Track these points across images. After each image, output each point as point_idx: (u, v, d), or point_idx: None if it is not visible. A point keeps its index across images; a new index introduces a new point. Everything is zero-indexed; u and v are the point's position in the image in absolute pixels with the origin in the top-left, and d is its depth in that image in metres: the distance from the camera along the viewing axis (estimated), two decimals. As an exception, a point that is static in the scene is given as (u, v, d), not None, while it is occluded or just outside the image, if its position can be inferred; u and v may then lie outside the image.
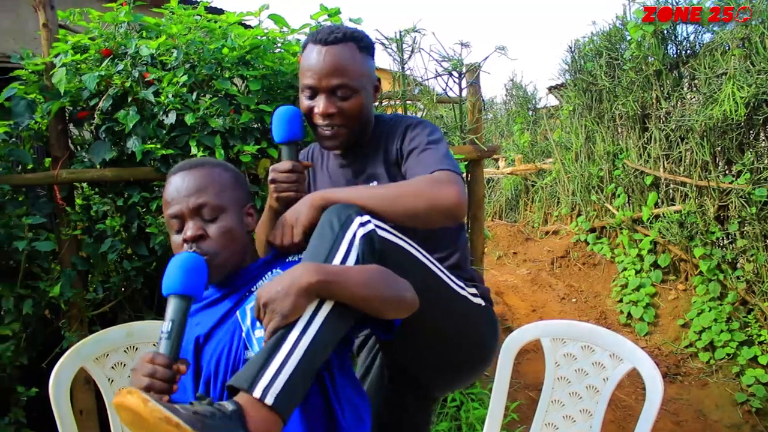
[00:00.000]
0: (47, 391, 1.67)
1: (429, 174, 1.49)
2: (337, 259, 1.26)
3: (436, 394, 1.87)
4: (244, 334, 1.33)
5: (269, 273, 1.44)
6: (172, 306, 1.21)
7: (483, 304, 1.68)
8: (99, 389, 1.79)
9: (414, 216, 1.42)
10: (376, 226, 1.33)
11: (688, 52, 4.95)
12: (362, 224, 1.31)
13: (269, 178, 1.61)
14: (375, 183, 1.67)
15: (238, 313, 1.37)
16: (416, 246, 1.46)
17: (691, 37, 4.96)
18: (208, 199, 1.40)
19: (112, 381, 1.79)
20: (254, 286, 1.42)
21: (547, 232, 6.95)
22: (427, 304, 1.40)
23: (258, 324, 1.29)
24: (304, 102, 1.63)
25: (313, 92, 1.60)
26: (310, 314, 1.18)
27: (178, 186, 1.42)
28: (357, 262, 1.27)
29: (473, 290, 1.66)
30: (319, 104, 1.58)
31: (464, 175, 3.29)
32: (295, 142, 1.64)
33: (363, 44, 1.62)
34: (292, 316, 1.16)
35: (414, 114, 3.56)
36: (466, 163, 3.23)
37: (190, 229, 1.38)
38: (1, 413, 2.44)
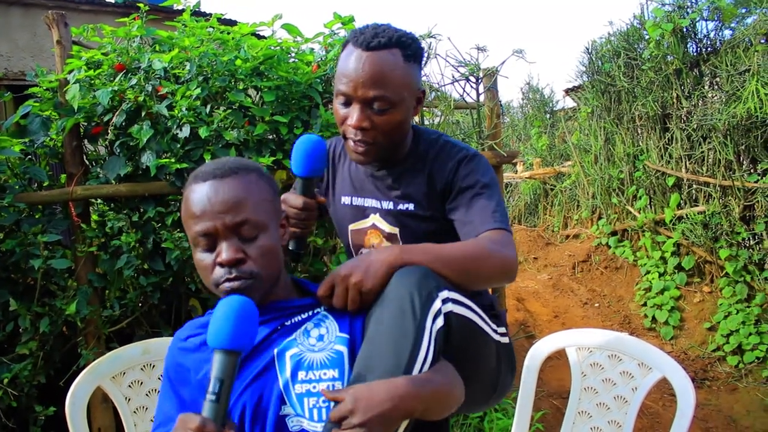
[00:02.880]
0: (65, 410, 1.65)
1: (487, 231, 1.42)
2: (420, 359, 1.17)
3: (450, 417, 1.81)
4: (281, 385, 1.19)
5: (314, 312, 1.32)
6: (220, 362, 1.06)
7: (508, 341, 1.61)
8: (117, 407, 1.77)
9: (485, 280, 1.40)
10: (452, 300, 1.26)
11: (709, 49, 4.87)
12: (443, 302, 1.22)
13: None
14: (411, 206, 1.58)
15: (275, 354, 1.22)
16: (475, 307, 1.37)
17: (712, 34, 4.88)
18: (248, 215, 1.20)
19: (129, 399, 1.77)
20: (290, 321, 1.29)
21: (567, 236, 6.88)
22: (474, 361, 1.38)
23: (300, 378, 1.20)
24: (338, 109, 1.49)
25: (347, 100, 1.46)
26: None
27: (210, 197, 1.19)
28: (434, 356, 1.20)
29: (502, 329, 1.58)
30: (353, 115, 1.44)
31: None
32: (314, 178, 1.56)
33: (410, 51, 1.46)
34: None
35: (431, 120, 3.52)
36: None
37: (227, 251, 1.19)
38: (21, 432, 2.44)
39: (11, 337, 2.44)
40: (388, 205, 1.61)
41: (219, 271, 1.20)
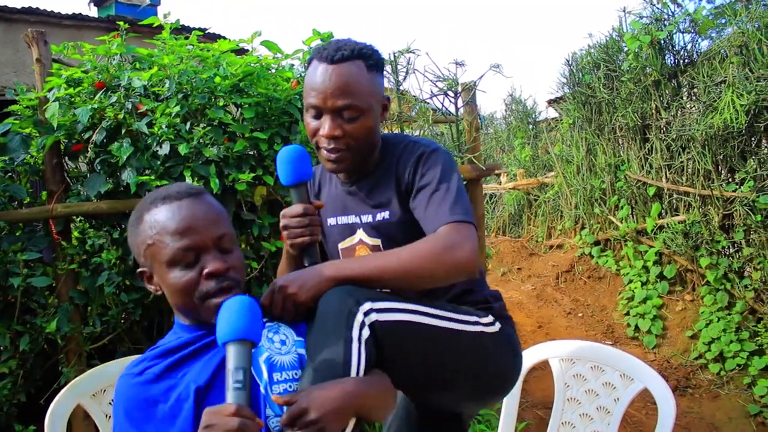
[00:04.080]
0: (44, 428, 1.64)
1: (441, 228, 1.44)
2: (353, 368, 1.24)
3: (466, 417, 1.77)
4: (263, 390, 1.25)
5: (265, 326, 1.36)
6: (238, 353, 1.10)
7: (498, 329, 1.59)
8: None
9: (431, 282, 1.44)
10: (377, 310, 1.30)
11: (686, 61, 4.94)
12: (365, 314, 1.27)
13: (281, 224, 1.54)
14: (387, 214, 1.60)
15: None
16: (419, 306, 1.40)
17: (689, 46, 4.96)
18: (227, 228, 1.31)
19: (110, 417, 1.76)
20: None
21: (551, 247, 6.91)
22: (440, 361, 1.41)
23: (275, 379, 1.27)
24: (309, 122, 1.55)
25: (318, 113, 1.52)
26: None
27: (195, 214, 1.27)
28: (366, 364, 1.25)
29: (487, 318, 1.57)
30: (324, 126, 1.50)
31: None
32: (304, 183, 1.56)
33: (372, 61, 1.54)
34: None
35: (411, 134, 3.54)
36: (465, 182, 3.20)
37: (216, 261, 1.25)
38: (1, 452, 2.42)
39: (-9, 356, 2.42)
40: (367, 218, 1.63)
41: (208, 284, 1.25)
